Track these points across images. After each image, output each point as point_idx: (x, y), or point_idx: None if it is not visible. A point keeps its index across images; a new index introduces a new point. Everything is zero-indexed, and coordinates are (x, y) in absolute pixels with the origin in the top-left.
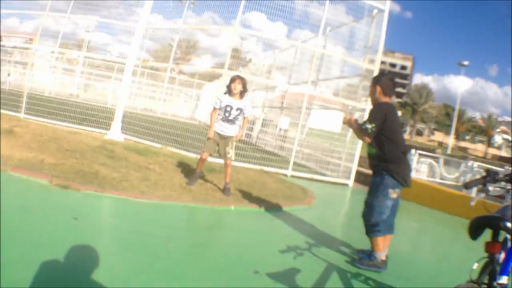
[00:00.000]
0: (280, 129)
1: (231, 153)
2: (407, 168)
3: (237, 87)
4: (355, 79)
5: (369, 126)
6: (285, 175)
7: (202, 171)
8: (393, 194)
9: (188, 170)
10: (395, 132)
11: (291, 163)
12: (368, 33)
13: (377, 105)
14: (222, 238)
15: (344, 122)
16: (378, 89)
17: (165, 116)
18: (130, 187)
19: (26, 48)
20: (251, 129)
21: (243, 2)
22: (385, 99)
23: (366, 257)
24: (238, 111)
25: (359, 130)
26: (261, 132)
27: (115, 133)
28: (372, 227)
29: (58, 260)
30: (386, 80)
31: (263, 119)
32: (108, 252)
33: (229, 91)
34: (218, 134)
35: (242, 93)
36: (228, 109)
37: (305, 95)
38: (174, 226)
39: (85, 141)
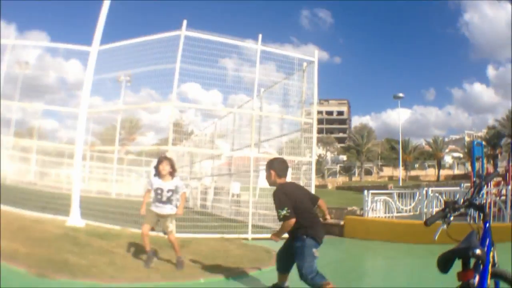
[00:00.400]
0: (233, 195)
1: (171, 227)
2: (321, 227)
3: (165, 168)
4: (296, 134)
5: (284, 212)
6: (246, 238)
7: (151, 247)
8: (316, 252)
9: (151, 249)
10: (302, 203)
11: (250, 227)
12: (301, 87)
13: (275, 191)
14: None
15: (274, 239)
16: (273, 173)
17: (120, 196)
18: (100, 272)
19: None
20: (205, 199)
21: (177, 75)
22: (281, 180)
23: None
24: (170, 193)
25: (282, 223)
26: (215, 201)
27: (75, 219)
28: (313, 281)
29: None
30: (278, 164)
31: (215, 187)
32: None
33: (158, 173)
34: (157, 213)
35: (172, 173)
36: (159, 191)
37: (251, 158)
38: None
39: (49, 229)
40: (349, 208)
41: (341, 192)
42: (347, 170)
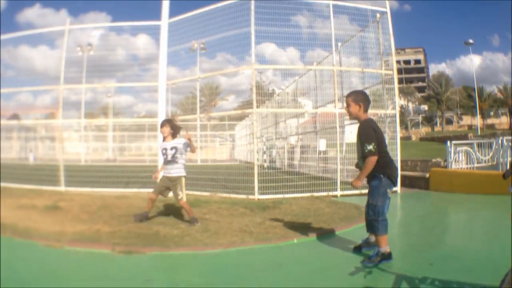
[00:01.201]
0: (319, 152)
1: (181, 195)
2: (396, 169)
3: (165, 131)
4: (377, 87)
5: (370, 147)
6: (336, 196)
7: (149, 209)
8: (390, 193)
9: (242, 213)
10: (382, 142)
11: (338, 183)
12: (377, 38)
13: (364, 124)
14: (293, 272)
15: (356, 187)
16: (360, 106)
17: (205, 163)
18: (193, 241)
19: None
20: (292, 159)
21: (253, 38)
22: (365, 116)
23: (373, 255)
24: (173, 150)
25: (366, 160)
26: (302, 159)
27: None
28: (378, 225)
29: None
30: (365, 97)
31: (301, 146)
32: None
33: (163, 137)
34: (167, 177)
35: (174, 134)
36: (164, 151)
37: (336, 114)
38: (244, 270)
39: (136, 204)
40: (433, 160)
41: (425, 144)
42: (429, 120)
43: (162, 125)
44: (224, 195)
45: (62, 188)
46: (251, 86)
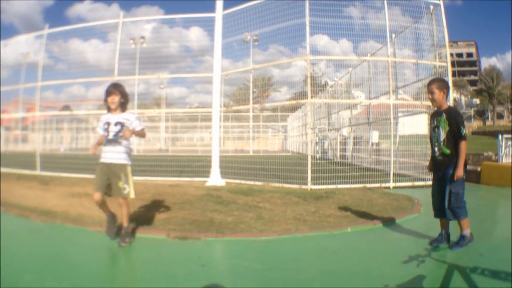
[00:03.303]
0: (372, 144)
1: (127, 189)
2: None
3: (114, 100)
4: (431, 79)
5: (465, 131)
6: (388, 187)
7: (109, 211)
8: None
9: (296, 202)
10: None
11: (391, 175)
12: (430, 30)
13: (454, 110)
14: (346, 260)
15: (461, 176)
16: (444, 93)
17: (258, 153)
18: (248, 227)
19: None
20: (344, 150)
21: (308, 29)
22: (447, 104)
23: (460, 239)
24: (119, 126)
25: (462, 145)
26: (355, 151)
27: (215, 179)
28: (461, 211)
29: None
30: (448, 85)
31: (354, 137)
32: None
33: (107, 108)
34: (104, 163)
35: (124, 105)
36: (105, 126)
37: (390, 105)
38: (300, 257)
39: (190, 192)
40: (485, 154)
41: (477, 137)
42: (480, 114)
43: (111, 93)
44: (277, 184)
45: None
46: (305, 77)
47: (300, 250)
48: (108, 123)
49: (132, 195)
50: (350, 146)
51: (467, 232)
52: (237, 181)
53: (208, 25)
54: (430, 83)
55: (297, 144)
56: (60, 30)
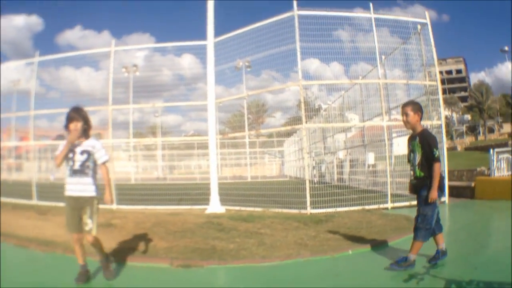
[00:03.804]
0: (368, 165)
1: (90, 224)
2: (443, 179)
3: (77, 126)
4: (421, 98)
5: (438, 153)
6: (386, 208)
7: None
8: (439, 202)
9: (296, 227)
10: None
11: (389, 196)
12: (419, 50)
13: (427, 133)
14: (349, 281)
15: (435, 199)
16: (418, 116)
17: (256, 179)
18: (250, 254)
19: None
20: (341, 173)
21: (299, 54)
22: (421, 126)
23: (402, 259)
24: (85, 155)
25: (435, 168)
26: (351, 173)
27: (215, 206)
28: (420, 233)
29: None
30: (421, 108)
31: (350, 160)
32: None
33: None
34: (71, 197)
35: (87, 132)
36: (71, 155)
37: (383, 127)
38: (302, 281)
39: (190, 220)
40: (478, 169)
41: (469, 153)
42: (472, 129)
43: (72, 119)
44: (277, 210)
45: (114, 206)
46: (299, 102)
47: (303, 274)
48: (73, 152)
49: (94, 232)
50: (347, 169)
51: (412, 256)
52: (237, 207)
53: (199, 53)
54: (404, 105)
55: (295, 168)
56: (51, 58)
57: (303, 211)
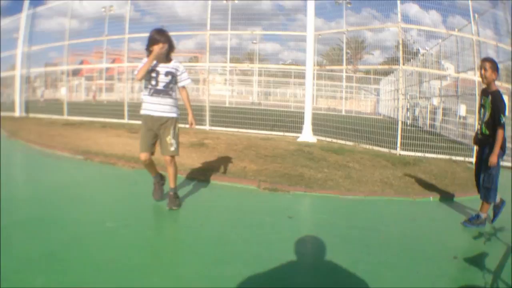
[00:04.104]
0: (459, 117)
1: (174, 145)
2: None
3: (162, 48)
4: (508, 63)
5: (504, 118)
6: (471, 162)
7: (156, 174)
8: (501, 162)
9: (384, 165)
10: None
11: (474, 151)
12: (506, 18)
13: (499, 95)
14: (424, 228)
15: (495, 163)
16: (495, 75)
17: (350, 114)
18: (336, 185)
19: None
20: (433, 119)
21: None
22: (495, 86)
23: (473, 217)
24: (169, 77)
25: (500, 133)
26: (443, 121)
27: (307, 135)
28: (490, 193)
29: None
30: (498, 70)
31: (443, 108)
32: (329, 245)
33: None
34: (150, 117)
35: (169, 56)
36: (154, 75)
37: (475, 81)
38: (382, 219)
39: (281, 146)
40: None
41: None
42: None
43: (157, 40)
44: (367, 146)
45: (206, 127)
46: (397, 43)
47: (383, 212)
48: (157, 72)
49: (177, 152)
50: (439, 116)
51: (484, 215)
52: (329, 139)
53: None
54: (484, 60)
55: (389, 108)
56: None
57: (393, 151)
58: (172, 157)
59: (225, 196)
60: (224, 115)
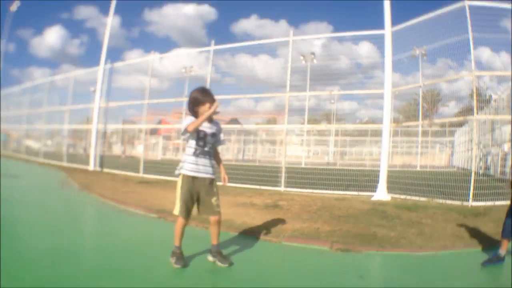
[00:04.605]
0: None
1: (219, 205)
2: None
3: (209, 108)
4: None
5: None
6: None
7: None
8: None
9: (456, 219)
10: None
11: None
12: None
13: None
14: (495, 277)
15: None
16: None
17: (424, 169)
18: (408, 243)
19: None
20: (504, 165)
21: (472, 44)
22: None
23: (492, 255)
24: (214, 138)
25: None
26: None
27: (381, 194)
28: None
29: None
30: None
31: None
32: None
33: (198, 115)
34: (194, 178)
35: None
36: (202, 135)
37: None
38: (452, 273)
39: (355, 206)
40: None
41: None
42: None
43: (205, 101)
44: (441, 201)
45: (281, 188)
46: (471, 91)
47: (454, 266)
48: (204, 133)
49: (220, 212)
50: (509, 162)
51: (503, 251)
52: (403, 196)
53: (377, 42)
54: None
55: (463, 159)
56: (227, 47)
57: (465, 203)
58: (217, 215)
59: (297, 257)
60: (299, 176)
